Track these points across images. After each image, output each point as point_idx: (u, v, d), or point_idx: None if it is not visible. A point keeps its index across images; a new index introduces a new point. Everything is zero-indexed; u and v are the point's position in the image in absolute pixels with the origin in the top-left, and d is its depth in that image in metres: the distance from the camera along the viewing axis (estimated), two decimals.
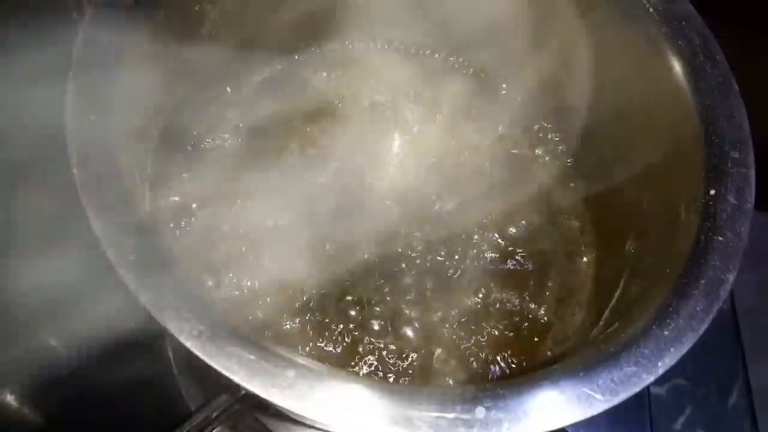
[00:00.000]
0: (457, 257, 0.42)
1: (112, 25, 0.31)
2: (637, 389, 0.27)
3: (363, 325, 0.40)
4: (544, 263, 0.43)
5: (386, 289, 0.41)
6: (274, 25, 0.45)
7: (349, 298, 0.40)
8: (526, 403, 0.25)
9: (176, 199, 0.41)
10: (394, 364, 0.39)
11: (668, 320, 0.28)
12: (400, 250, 0.42)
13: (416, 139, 0.47)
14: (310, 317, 0.39)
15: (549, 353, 0.40)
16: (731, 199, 0.31)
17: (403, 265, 0.41)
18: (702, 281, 0.29)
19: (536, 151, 0.47)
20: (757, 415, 0.50)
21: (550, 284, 0.42)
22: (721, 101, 0.34)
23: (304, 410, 0.24)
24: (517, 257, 0.43)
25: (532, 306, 0.41)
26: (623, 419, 0.47)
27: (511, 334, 0.40)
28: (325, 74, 0.49)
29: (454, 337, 0.39)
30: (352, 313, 0.40)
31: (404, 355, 0.39)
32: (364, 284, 0.41)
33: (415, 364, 0.39)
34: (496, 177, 0.46)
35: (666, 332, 0.28)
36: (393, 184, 0.45)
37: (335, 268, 0.41)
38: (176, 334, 0.25)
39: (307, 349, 0.38)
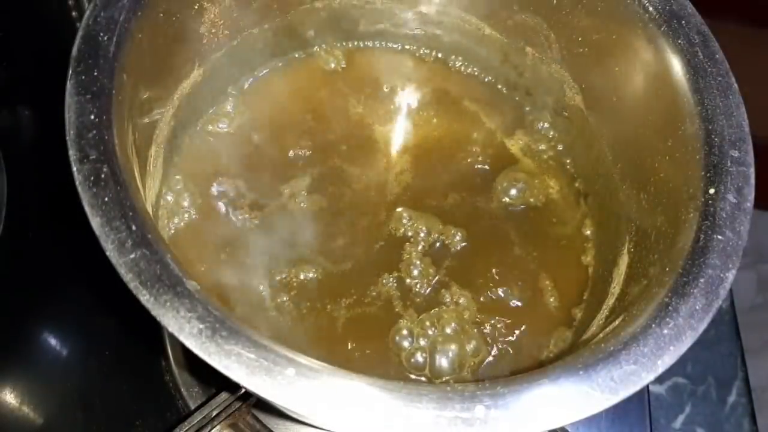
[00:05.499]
0: (455, 257, 0.42)
1: (112, 24, 0.31)
2: (636, 388, 0.27)
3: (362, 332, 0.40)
4: (543, 262, 0.43)
5: (382, 285, 0.41)
6: (274, 24, 0.45)
7: (350, 299, 0.40)
8: (526, 401, 0.25)
9: (176, 197, 0.41)
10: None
11: (668, 319, 0.28)
12: (398, 246, 0.42)
13: (416, 138, 0.47)
14: (314, 317, 0.39)
15: (549, 352, 0.40)
16: (731, 197, 0.31)
17: (400, 265, 0.41)
18: (701, 280, 0.29)
19: (536, 150, 0.47)
20: (757, 414, 0.50)
21: (549, 284, 0.42)
22: (721, 100, 0.34)
23: (304, 409, 0.24)
24: (516, 257, 0.43)
25: (531, 305, 0.41)
26: (623, 418, 0.47)
27: (511, 332, 0.40)
28: (326, 71, 0.49)
29: (453, 334, 0.40)
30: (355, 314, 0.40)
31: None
32: (364, 283, 0.41)
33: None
34: (496, 177, 0.46)
35: (665, 331, 0.28)
36: (392, 182, 0.45)
37: (341, 261, 0.41)
38: (176, 333, 0.25)
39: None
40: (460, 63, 0.50)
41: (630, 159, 0.41)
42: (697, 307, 0.28)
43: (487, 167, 0.46)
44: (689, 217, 0.32)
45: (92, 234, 0.26)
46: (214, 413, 0.37)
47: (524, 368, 0.39)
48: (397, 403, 0.24)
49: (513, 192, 0.45)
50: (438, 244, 0.42)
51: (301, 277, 0.40)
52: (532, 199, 0.45)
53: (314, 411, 0.24)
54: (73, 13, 0.59)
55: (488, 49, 0.48)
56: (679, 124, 0.35)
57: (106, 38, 0.31)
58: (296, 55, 0.49)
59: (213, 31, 0.41)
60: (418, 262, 0.41)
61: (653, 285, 0.31)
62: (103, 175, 0.27)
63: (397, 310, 0.40)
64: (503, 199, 0.45)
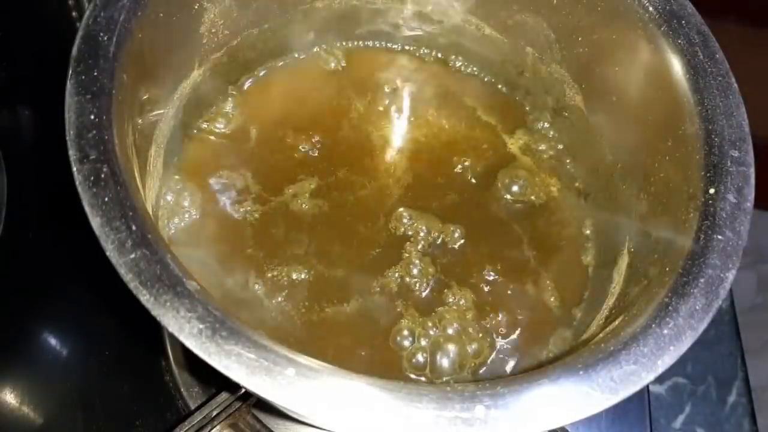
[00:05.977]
0: (455, 256, 0.42)
1: (112, 24, 0.31)
2: (636, 388, 0.27)
3: (360, 327, 0.40)
4: (543, 262, 0.43)
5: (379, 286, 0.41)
6: (274, 24, 0.45)
7: (350, 299, 0.40)
8: (526, 401, 0.25)
9: (176, 197, 0.41)
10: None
11: (668, 319, 0.28)
12: (398, 245, 0.42)
13: (416, 138, 0.47)
14: (314, 317, 0.39)
15: (549, 352, 0.40)
16: (731, 197, 0.31)
17: (401, 264, 0.41)
18: (701, 280, 0.29)
19: (536, 150, 0.47)
20: (757, 414, 0.50)
21: (549, 283, 0.42)
22: (721, 100, 0.34)
23: (304, 409, 0.24)
24: (516, 257, 0.43)
25: (532, 305, 0.41)
26: (623, 418, 0.47)
27: (511, 332, 0.40)
28: (326, 71, 0.49)
29: (454, 335, 0.40)
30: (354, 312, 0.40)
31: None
32: (365, 283, 0.41)
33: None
34: (496, 176, 0.46)
35: (665, 331, 0.28)
36: (393, 181, 0.45)
37: (341, 261, 0.41)
38: (176, 333, 0.25)
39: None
40: (460, 63, 0.50)
41: (630, 159, 0.41)
42: (697, 307, 0.28)
43: (487, 167, 0.46)
44: (689, 217, 0.32)
45: (92, 234, 0.26)
46: (214, 413, 0.37)
47: (524, 368, 0.39)
48: (397, 403, 0.24)
49: (515, 189, 0.45)
50: (438, 243, 0.42)
51: (300, 276, 0.40)
52: (533, 197, 0.45)
53: (314, 411, 0.24)
54: (73, 13, 0.59)
55: (488, 49, 0.48)
56: (679, 124, 0.35)
57: (106, 38, 0.31)
58: (296, 55, 0.49)
59: (213, 31, 0.41)
60: (417, 261, 0.41)
61: (653, 285, 0.31)
62: (103, 175, 0.27)
63: (398, 309, 0.40)
64: (505, 196, 0.45)
